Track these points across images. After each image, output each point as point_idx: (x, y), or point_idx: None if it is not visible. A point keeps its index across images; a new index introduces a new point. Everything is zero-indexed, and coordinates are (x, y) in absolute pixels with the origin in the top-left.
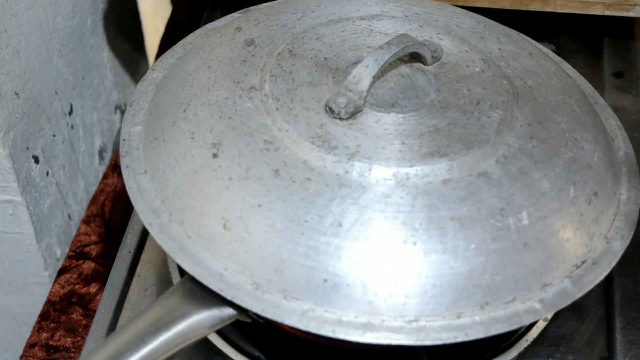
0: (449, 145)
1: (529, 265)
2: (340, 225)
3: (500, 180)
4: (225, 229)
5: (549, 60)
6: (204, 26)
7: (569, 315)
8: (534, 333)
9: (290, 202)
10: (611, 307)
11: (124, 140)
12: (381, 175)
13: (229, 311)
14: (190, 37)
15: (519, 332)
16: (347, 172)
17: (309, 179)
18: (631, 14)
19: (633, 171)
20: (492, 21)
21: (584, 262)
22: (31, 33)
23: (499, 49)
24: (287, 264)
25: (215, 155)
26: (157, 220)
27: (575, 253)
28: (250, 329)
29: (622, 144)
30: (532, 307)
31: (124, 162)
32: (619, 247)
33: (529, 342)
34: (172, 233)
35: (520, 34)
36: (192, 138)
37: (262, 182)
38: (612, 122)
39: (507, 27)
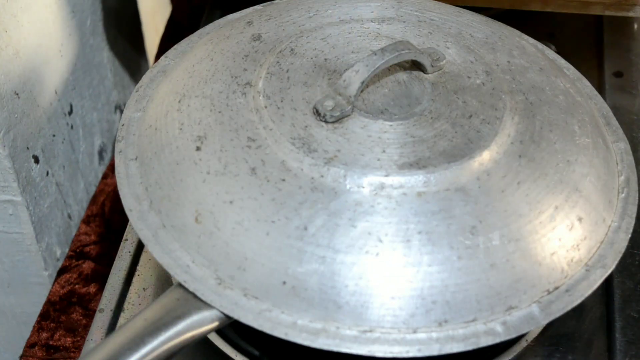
0: (430, 157)
1: (494, 286)
2: (305, 229)
3: (477, 198)
4: (197, 222)
5: (561, 77)
6: (225, 16)
7: (569, 315)
8: (534, 333)
9: (260, 202)
10: (611, 307)
11: (122, 125)
12: (355, 182)
13: None
14: (208, 27)
15: None
16: (322, 176)
17: (283, 180)
18: (631, 14)
19: (632, 198)
20: (511, 31)
21: (556, 288)
22: (31, 33)
23: (508, 61)
24: (250, 262)
25: (198, 148)
26: (137, 207)
27: (547, 278)
28: (250, 329)
29: (626, 169)
30: (492, 328)
31: (118, 147)
32: (599, 276)
33: (529, 342)
34: (149, 221)
35: (540, 46)
36: (181, 129)
37: (237, 179)
38: (621, 145)
39: (530, 38)
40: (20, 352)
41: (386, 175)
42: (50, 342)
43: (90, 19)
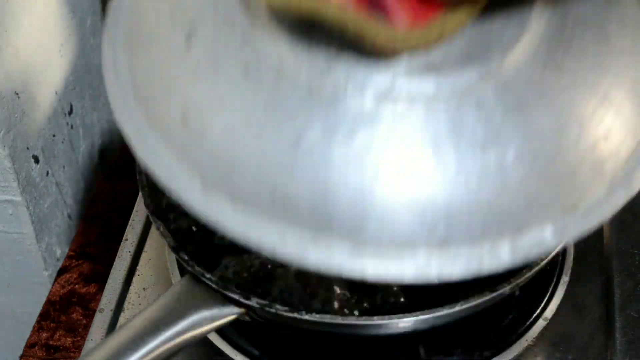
0: (443, 60)
1: (504, 206)
2: (300, 136)
3: (493, 108)
4: (184, 121)
5: None
6: None
7: (569, 315)
8: (534, 332)
9: (252, 104)
10: (611, 307)
11: (112, 10)
12: (357, 86)
13: (228, 310)
14: None
15: (519, 332)
16: (321, 78)
17: (278, 82)
18: None
19: None
20: None
21: (573, 209)
22: (31, 33)
23: None
24: (239, 169)
25: (188, 42)
26: (123, 101)
27: (564, 199)
28: (250, 329)
29: None
30: (498, 252)
31: (106, 36)
32: (622, 198)
33: (529, 342)
34: (135, 117)
35: None
36: (172, 20)
37: (228, 79)
38: None
39: None
40: (20, 352)
41: (392, 80)
42: (50, 342)
43: (90, 19)
